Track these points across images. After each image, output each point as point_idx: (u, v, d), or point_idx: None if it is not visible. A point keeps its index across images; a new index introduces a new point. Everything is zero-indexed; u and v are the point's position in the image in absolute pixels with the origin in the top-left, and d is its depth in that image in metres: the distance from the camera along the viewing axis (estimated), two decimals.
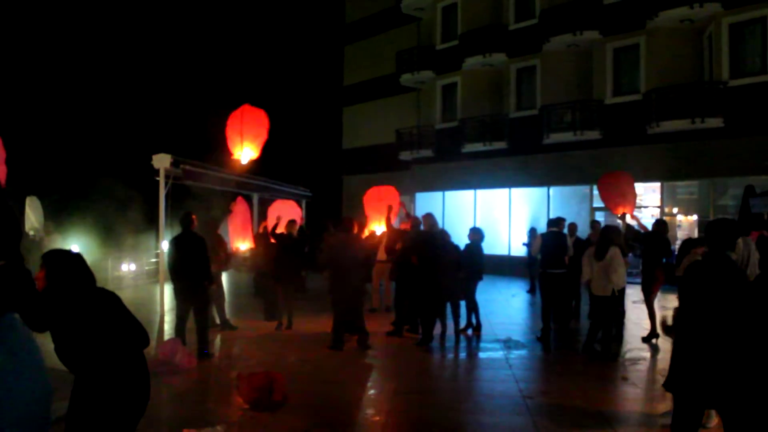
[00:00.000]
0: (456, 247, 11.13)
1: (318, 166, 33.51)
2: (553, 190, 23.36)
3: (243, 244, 14.60)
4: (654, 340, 10.74)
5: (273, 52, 41.76)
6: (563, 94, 22.69)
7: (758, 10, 17.99)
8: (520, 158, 24.01)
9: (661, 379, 8.34)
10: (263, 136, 10.81)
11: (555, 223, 11.45)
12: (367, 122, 32.20)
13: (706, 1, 18.66)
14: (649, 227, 11.62)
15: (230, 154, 10.76)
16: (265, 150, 11.50)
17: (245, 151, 10.59)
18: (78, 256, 3.98)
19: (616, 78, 21.74)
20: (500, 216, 24.90)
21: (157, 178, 11.03)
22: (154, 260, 20.45)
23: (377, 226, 12.03)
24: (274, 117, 11.56)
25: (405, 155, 28.22)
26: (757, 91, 18.01)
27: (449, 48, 26.89)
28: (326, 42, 36.53)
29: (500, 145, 24.50)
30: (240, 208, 14.58)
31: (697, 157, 19.13)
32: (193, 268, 9.12)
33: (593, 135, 21.63)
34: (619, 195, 11.85)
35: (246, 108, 11.08)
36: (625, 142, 20.81)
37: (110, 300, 3.90)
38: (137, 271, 20.09)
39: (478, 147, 24.92)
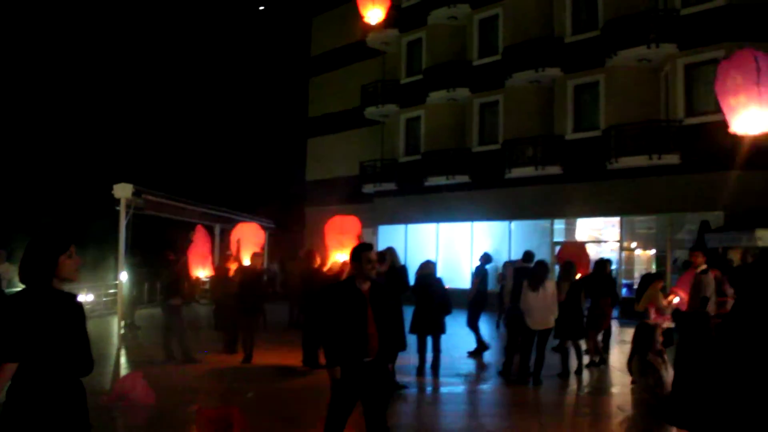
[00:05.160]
0: (439, 280, 11.07)
1: (281, 197, 33.38)
2: (515, 224, 23.58)
3: (203, 272, 14.44)
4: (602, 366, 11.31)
5: (238, 82, 41.73)
6: (525, 129, 23.02)
7: (711, 51, 18.52)
8: (482, 192, 24.23)
9: (618, 413, 8.42)
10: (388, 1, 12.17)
11: (527, 257, 11.71)
12: (331, 154, 32.22)
13: (663, 42, 19.23)
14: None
15: (361, 17, 12.09)
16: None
17: (374, 11, 11.76)
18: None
19: (576, 114, 22.15)
20: (462, 250, 25.02)
21: (118, 208, 10.90)
22: (112, 291, 20.00)
23: (340, 255, 11.94)
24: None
25: (368, 188, 28.30)
26: (711, 129, 18.48)
27: (413, 82, 27.18)
28: (291, 74, 36.66)
29: (463, 178, 24.72)
30: (200, 236, 14.45)
31: (654, 192, 19.51)
32: None
33: (554, 170, 21.95)
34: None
35: None
36: (585, 178, 21.17)
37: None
38: (94, 302, 19.62)
39: (441, 180, 25.12)
